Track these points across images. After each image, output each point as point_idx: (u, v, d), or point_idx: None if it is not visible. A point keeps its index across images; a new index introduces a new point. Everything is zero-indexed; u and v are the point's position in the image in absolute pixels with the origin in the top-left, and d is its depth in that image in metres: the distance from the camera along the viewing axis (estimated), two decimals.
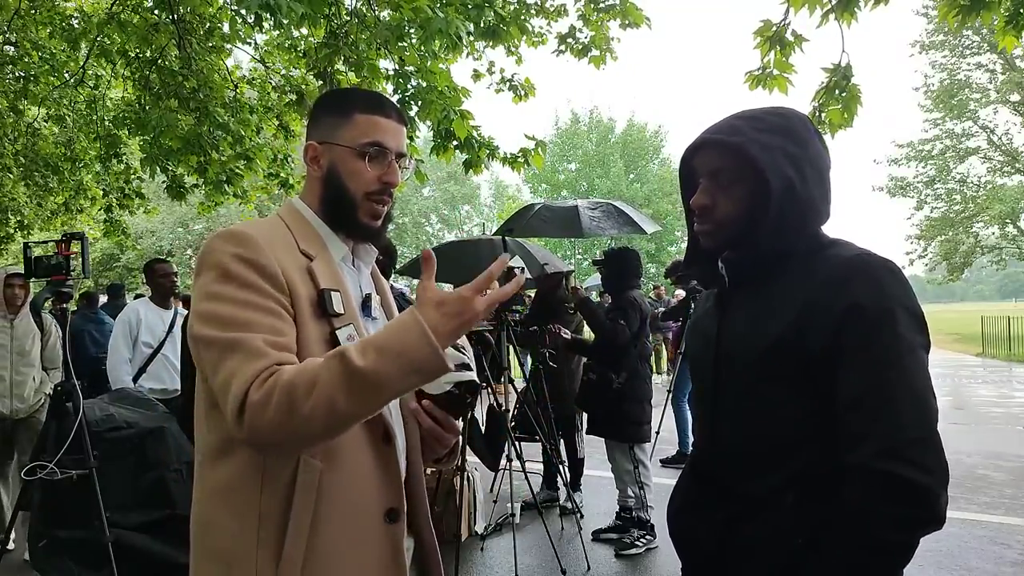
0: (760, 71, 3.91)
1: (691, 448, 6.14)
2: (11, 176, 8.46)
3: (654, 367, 10.22)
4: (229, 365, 1.06)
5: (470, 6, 4.50)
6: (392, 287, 3.63)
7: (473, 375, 1.23)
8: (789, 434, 1.20)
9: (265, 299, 1.12)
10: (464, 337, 1.32)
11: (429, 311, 1.04)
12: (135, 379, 4.27)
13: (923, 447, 1.07)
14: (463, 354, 1.26)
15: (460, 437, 1.31)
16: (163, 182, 6.83)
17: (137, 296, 7.00)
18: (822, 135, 1.29)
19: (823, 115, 3.82)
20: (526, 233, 6.08)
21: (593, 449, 5.49)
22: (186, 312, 4.70)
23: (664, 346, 12.26)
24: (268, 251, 1.15)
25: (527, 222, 5.57)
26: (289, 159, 7.37)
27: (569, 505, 4.72)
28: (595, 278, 12.53)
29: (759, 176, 1.20)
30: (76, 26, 6.56)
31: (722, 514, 1.27)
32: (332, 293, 1.20)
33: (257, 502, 1.12)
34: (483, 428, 3.86)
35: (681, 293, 7.77)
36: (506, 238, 5.11)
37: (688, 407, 6.48)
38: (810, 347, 1.16)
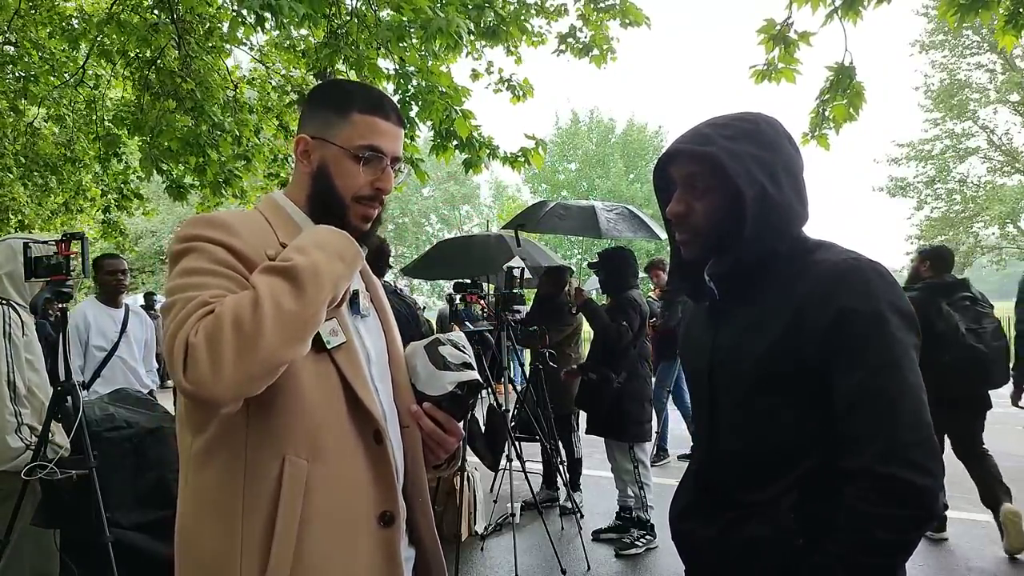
0: (765, 66, 3.92)
1: (672, 444, 5.95)
2: (11, 176, 8.45)
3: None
4: (177, 317, 0.99)
5: (470, 6, 4.50)
6: (384, 283, 3.62)
7: (476, 374, 1.21)
8: (788, 441, 1.20)
9: (238, 275, 1.05)
10: (464, 336, 1.31)
11: None
12: (89, 384, 4.05)
13: (923, 449, 1.08)
14: (464, 353, 1.25)
15: (461, 442, 1.27)
16: (162, 182, 6.82)
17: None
18: (792, 138, 1.30)
19: (827, 111, 3.83)
20: (540, 229, 5.97)
21: (593, 449, 5.48)
22: (141, 308, 4.59)
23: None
24: (246, 236, 1.10)
25: (541, 219, 5.50)
26: (289, 159, 7.37)
27: (569, 505, 4.72)
28: (596, 279, 12.48)
29: (731, 184, 1.21)
30: (76, 26, 6.56)
31: (723, 519, 1.28)
32: None
33: (239, 507, 1.05)
34: (483, 428, 3.85)
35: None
36: (517, 234, 5.08)
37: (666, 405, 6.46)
38: (804, 354, 1.17)
